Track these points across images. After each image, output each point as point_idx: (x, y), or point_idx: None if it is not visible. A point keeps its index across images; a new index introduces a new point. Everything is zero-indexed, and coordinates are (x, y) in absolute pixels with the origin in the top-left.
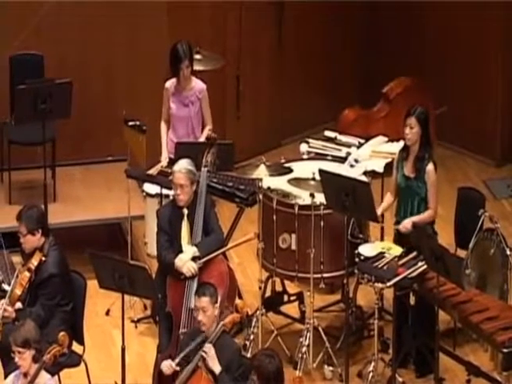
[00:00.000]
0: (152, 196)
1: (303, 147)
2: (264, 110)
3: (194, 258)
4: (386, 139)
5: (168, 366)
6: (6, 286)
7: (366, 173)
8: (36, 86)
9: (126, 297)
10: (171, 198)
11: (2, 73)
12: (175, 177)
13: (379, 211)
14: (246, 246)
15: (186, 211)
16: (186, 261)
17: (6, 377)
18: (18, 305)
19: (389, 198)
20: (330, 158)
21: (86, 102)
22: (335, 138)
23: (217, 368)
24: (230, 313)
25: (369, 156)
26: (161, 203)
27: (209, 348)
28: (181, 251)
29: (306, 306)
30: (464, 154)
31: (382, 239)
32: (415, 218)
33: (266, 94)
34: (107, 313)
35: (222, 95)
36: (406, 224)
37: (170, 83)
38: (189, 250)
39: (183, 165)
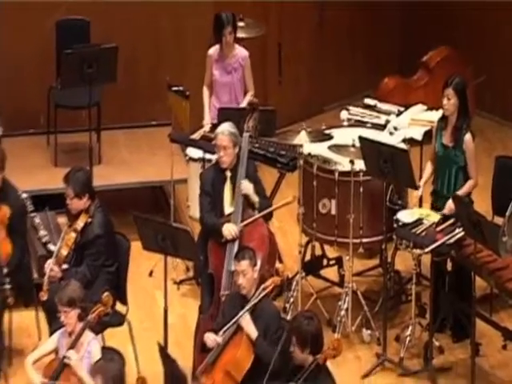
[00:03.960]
0: (195, 160)
1: (343, 114)
2: (305, 77)
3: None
4: (425, 107)
5: (212, 340)
6: (52, 247)
7: (404, 140)
8: (83, 50)
9: (169, 258)
10: (213, 162)
11: (49, 38)
12: (218, 139)
13: (422, 182)
14: (286, 210)
15: (228, 174)
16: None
17: (51, 334)
18: (65, 266)
19: (429, 167)
20: (369, 125)
21: (131, 67)
22: (375, 105)
23: (253, 333)
24: (271, 276)
25: (408, 124)
26: (203, 167)
27: (245, 315)
28: (223, 214)
29: (344, 270)
30: (503, 124)
31: (420, 206)
32: (460, 192)
33: (308, 62)
34: (150, 274)
35: (264, 62)
36: (450, 205)
37: (214, 50)
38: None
39: (226, 127)
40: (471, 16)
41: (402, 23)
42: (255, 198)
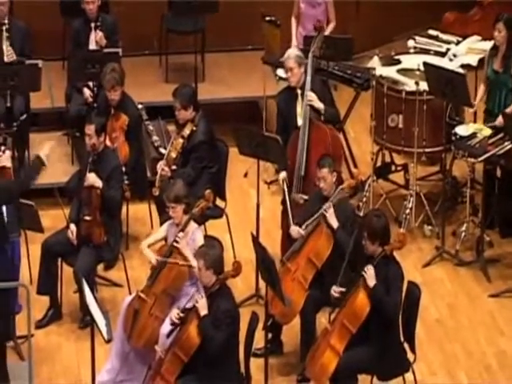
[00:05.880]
0: (283, 79)
1: (410, 43)
2: (378, 11)
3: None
4: (479, 38)
5: (296, 231)
6: (163, 150)
7: (462, 66)
8: None
9: (261, 162)
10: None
11: None
12: (286, 62)
13: (476, 101)
14: (360, 124)
15: (299, 91)
16: None
17: (161, 224)
18: (173, 167)
19: (482, 89)
20: (432, 52)
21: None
22: (437, 36)
23: (335, 223)
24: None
25: (465, 52)
26: None
27: (328, 207)
28: (296, 126)
29: (409, 175)
30: None
31: (474, 121)
32: (508, 110)
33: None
34: (245, 175)
35: None
36: (500, 119)
37: None
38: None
39: (291, 51)
40: None
41: None
42: (320, 105)
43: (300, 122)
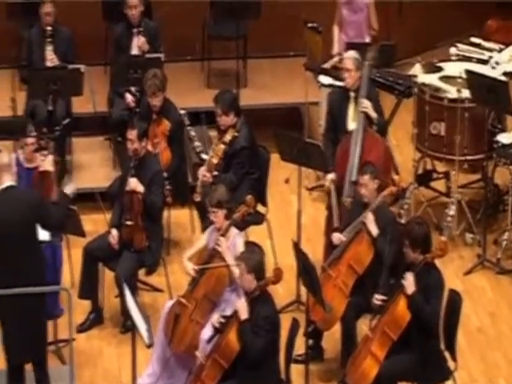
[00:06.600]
0: (325, 86)
1: (452, 50)
2: (420, 17)
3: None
4: None
5: (337, 238)
6: (204, 156)
7: (505, 73)
8: None
9: (302, 168)
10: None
11: None
12: (344, 62)
13: None
14: (402, 131)
15: (352, 94)
16: None
17: (203, 229)
18: (215, 172)
19: None
20: (474, 60)
21: (273, 5)
22: (479, 43)
23: (374, 231)
24: (388, 185)
25: (508, 60)
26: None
27: (368, 214)
28: (345, 130)
29: (451, 183)
30: None
31: None
32: None
33: (424, 7)
34: (286, 181)
35: (386, 3)
36: None
37: None
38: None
39: (351, 53)
40: None
41: None
42: (373, 114)
43: (350, 124)
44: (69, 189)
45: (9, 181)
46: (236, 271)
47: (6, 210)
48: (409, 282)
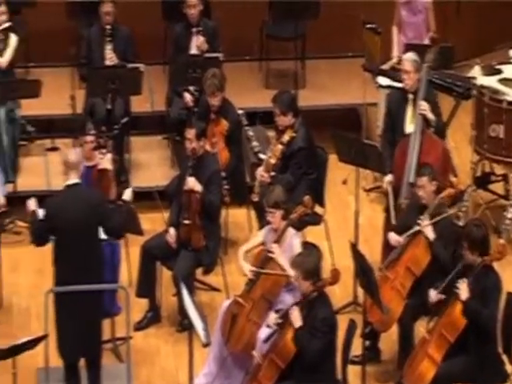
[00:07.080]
0: (384, 87)
1: (511, 53)
2: (479, 21)
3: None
4: None
5: (395, 240)
6: (262, 156)
7: None
8: None
9: (360, 169)
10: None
11: None
12: (403, 64)
13: None
14: (460, 133)
15: (411, 96)
16: None
17: (260, 229)
18: (273, 173)
19: None
20: None
21: (332, 5)
22: None
23: (431, 235)
24: (445, 187)
25: None
26: None
27: (426, 217)
28: (403, 132)
29: (510, 186)
30: None
31: None
32: None
33: (482, 9)
34: (344, 182)
35: (444, 6)
36: None
37: None
38: None
39: (410, 55)
40: None
41: None
42: (431, 117)
43: (408, 126)
44: (127, 195)
45: (75, 178)
46: (292, 273)
47: (71, 207)
48: (462, 289)
